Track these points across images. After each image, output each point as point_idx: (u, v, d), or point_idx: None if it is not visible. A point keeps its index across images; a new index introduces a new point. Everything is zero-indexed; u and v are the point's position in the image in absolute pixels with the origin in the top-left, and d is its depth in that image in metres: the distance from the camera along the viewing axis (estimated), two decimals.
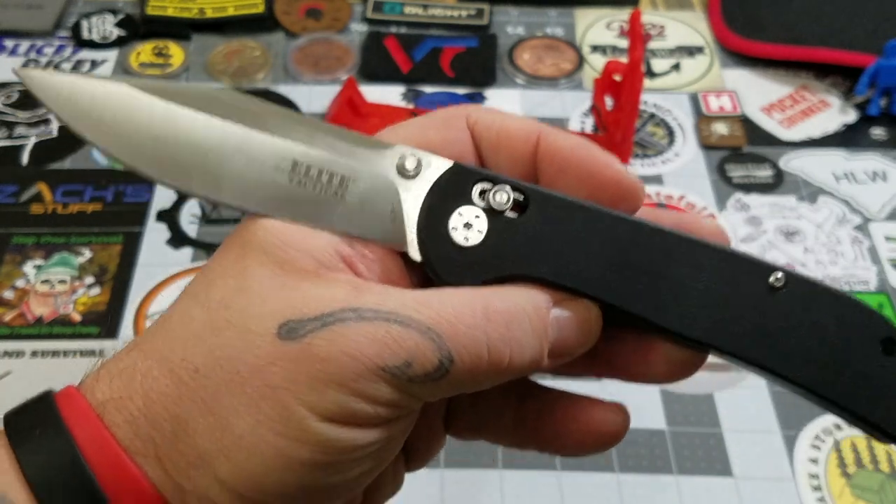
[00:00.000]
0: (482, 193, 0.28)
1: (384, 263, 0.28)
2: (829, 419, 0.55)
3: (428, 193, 0.28)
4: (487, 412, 0.32)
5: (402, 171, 0.28)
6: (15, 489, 0.24)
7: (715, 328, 0.27)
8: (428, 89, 0.76)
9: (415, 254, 0.27)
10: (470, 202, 0.28)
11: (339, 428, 0.24)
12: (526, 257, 0.27)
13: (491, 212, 0.27)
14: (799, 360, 0.27)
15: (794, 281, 0.27)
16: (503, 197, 0.27)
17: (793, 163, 0.71)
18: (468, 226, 0.27)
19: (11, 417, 0.26)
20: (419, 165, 0.28)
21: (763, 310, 0.27)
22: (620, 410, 0.30)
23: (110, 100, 0.27)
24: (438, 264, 0.27)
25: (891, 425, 0.27)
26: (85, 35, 0.80)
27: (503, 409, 0.31)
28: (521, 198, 0.28)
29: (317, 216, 0.27)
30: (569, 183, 0.28)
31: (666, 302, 0.27)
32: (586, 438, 0.30)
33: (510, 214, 0.27)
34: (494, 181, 0.28)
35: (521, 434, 0.31)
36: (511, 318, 0.26)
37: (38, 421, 0.25)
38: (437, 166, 0.28)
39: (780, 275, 0.27)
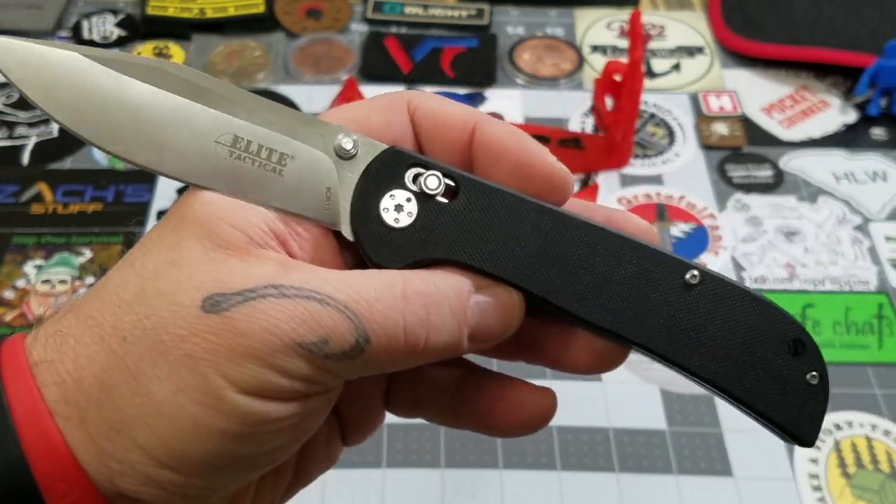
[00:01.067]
0: (415, 178, 0.28)
1: (317, 242, 0.28)
2: (829, 419, 0.55)
3: (362, 175, 0.28)
4: (426, 390, 0.32)
5: (339, 152, 0.28)
6: None
7: (629, 321, 0.28)
8: (428, 89, 0.76)
9: (347, 233, 0.28)
10: (402, 185, 0.28)
11: (255, 400, 0.25)
12: (453, 242, 0.28)
13: (422, 196, 0.28)
14: (708, 357, 0.28)
15: (710, 279, 0.28)
16: (434, 182, 0.28)
17: (793, 163, 0.71)
18: (399, 208, 0.28)
19: None
20: (356, 146, 0.28)
21: (677, 305, 0.28)
22: (548, 394, 0.31)
23: (62, 66, 0.27)
24: (369, 244, 0.28)
25: (793, 424, 0.28)
26: (85, 35, 0.80)
27: (441, 387, 0.32)
28: (452, 184, 0.28)
29: (255, 191, 0.28)
30: (501, 172, 0.29)
31: (585, 293, 0.28)
32: (511, 419, 0.31)
33: (441, 199, 0.28)
34: (427, 166, 0.28)
35: (457, 413, 0.32)
36: (430, 301, 0.26)
37: None
38: (374, 149, 0.29)
39: (695, 272, 0.28)
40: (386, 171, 0.28)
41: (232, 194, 0.27)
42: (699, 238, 0.66)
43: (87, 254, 0.63)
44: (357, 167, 0.28)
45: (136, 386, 0.25)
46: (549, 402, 0.31)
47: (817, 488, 0.52)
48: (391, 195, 0.28)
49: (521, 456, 0.53)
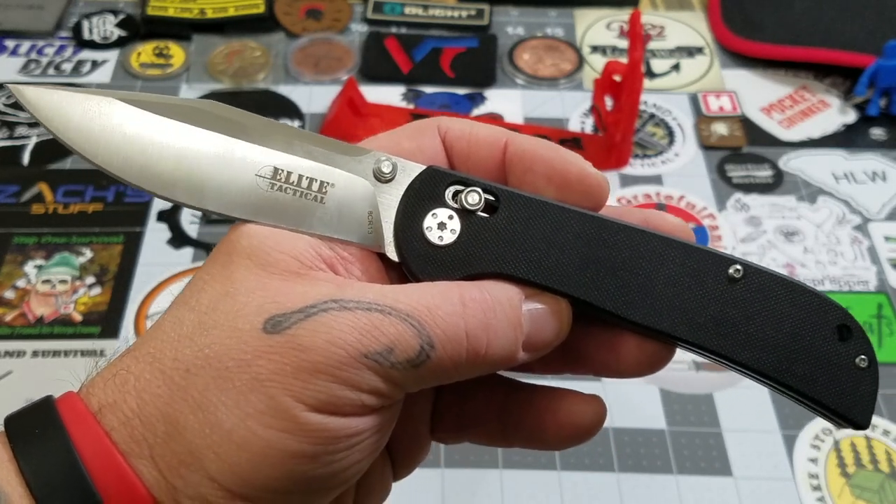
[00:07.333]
0: (455, 195, 0.29)
1: (363, 264, 0.29)
2: None
3: (403, 196, 0.29)
4: (471, 412, 0.32)
5: (378, 176, 0.29)
6: (11, 484, 0.24)
7: (679, 320, 0.28)
8: (428, 90, 0.77)
9: (392, 254, 0.29)
10: (443, 203, 0.29)
11: (326, 417, 0.25)
12: (498, 255, 0.28)
13: (464, 212, 0.29)
14: (758, 348, 0.28)
15: (752, 272, 0.29)
16: (475, 198, 0.28)
17: (792, 163, 0.72)
18: (442, 226, 0.28)
19: (13, 418, 0.26)
20: (394, 170, 0.29)
21: (723, 301, 0.28)
22: (597, 402, 0.31)
23: (100, 113, 0.28)
24: (415, 263, 0.28)
25: (846, 408, 0.28)
26: (86, 35, 0.80)
27: (486, 407, 0.32)
28: (492, 198, 0.29)
29: (298, 221, 0.28)
30: (536, 181, 0.29)
31: (632, 296, 0.28)
32: (565, 430, 0.31)
33: (482, 214, 0.29)
34: (466, 183, 0.29)
35: (505, 431, 0.32)
36: (487, 306, 0.27)
37: (38, 422, 0.25)
38: (412, 170, 0.29)
39: (738, 266, 0.29)
40: (426, 190, 0.29)
41: (276, 225, 0.28)
42: (699, 238, 0.66)
43: (88, 254, 0.63)
44: (397, 189, 0.29)
45: (203, 416, 0.25)
46: (599, 408, 0.31)
47: (817, 488, 0.52)
48: (433, 214, 0.28)
49: (521, 455, 0.53)
